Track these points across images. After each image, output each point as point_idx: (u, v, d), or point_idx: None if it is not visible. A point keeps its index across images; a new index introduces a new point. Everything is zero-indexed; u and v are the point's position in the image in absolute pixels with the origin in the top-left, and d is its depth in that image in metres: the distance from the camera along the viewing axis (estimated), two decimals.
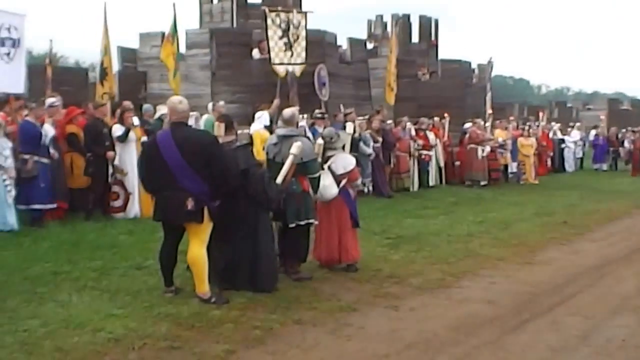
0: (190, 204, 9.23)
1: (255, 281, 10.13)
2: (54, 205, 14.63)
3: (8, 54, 14.58)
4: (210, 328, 8.49)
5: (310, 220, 11.10)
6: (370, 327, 8.91)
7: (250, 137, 15.78)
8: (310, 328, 8.73)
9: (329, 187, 11.54)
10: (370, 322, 9.11)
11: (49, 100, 15.98)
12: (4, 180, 13.77)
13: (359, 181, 12.83)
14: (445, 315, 9.53)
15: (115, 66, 24.16)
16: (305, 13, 21.85)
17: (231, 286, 9.99)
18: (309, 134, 18.34)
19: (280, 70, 20.96)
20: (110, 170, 15.63)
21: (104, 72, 18.75)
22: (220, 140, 9.98)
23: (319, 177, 11.24)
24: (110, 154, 15.51)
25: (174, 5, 20.24)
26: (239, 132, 11.03)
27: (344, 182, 11.74)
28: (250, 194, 10.11)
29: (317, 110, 21.14)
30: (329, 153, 11.91)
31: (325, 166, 11.74)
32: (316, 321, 8.99)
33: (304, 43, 21.30)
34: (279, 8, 22.10)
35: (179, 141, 9.34)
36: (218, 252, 9.98)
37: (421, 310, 9.71)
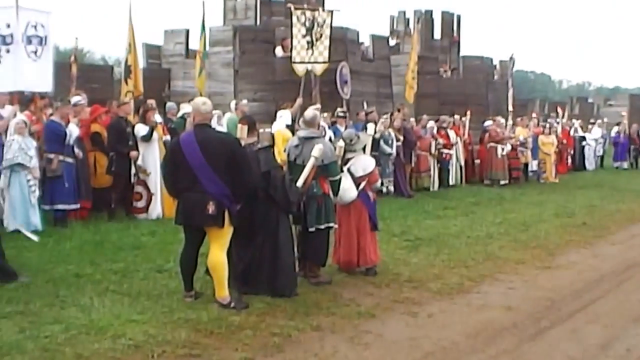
0: (211, 207, 9.20)
1: (275, 286, 10.08)
2: (78, 206, 14.66)
3: (35, 52, 14.63)
4: (229, 334, 8.45)
5: (331, 224, 11.05)
6: (388, 334, 8.85)
7: (272, 136, 15.82)
8: (328, 335, 8.68)
9: (348, 190, 11.42)
10: (389, 329, 9.06)
11: (74, 99, 15.98)
12: (28, 180, 13.81)
13: (379, 183, 12.75)
14: (464, 322, 9.44)
15: (140, 63, 24.21)
16: (332, 12, 21.71)
17: (250, 290, 9.96)
18: (330, 133, 18.31)
19: (300, 69, 20.83)
20: (133, 169, 15.60)
21: (129, 70, 18.73)
22: (243, 143, 9.93)
23: (340, 179, 11.18)
24: (133, 153, 15.50)
25: (203, 3, 20.23)
26: (261, 131, 11.02)
27: (363, 184, 11.65)
28: (271, 196, 10.07)
29: (338, 109, 21.09)
30: (349, 155, 11.83)
31: (345, 168, 11.66)
32: (335, 328, 8.94)
33: (327, 42, 21.14)
34: (305, 6, 21.99)
35: (201, 143, 9.32)
36: (237, 256, 9.95)
37: (439, 317, 9.64)
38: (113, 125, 15.62)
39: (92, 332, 8.23)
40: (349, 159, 11.77)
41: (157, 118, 16.62)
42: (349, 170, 11.67)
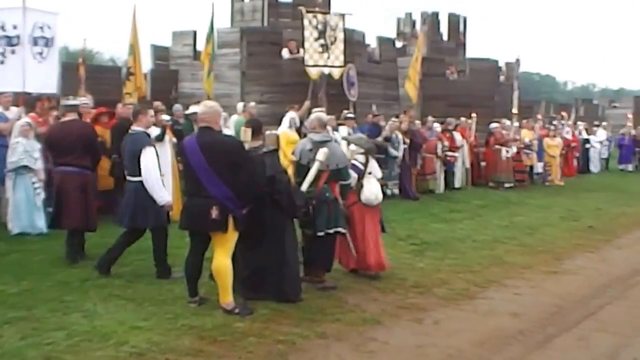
0: (214, 212, 9.07)
1: (281, 291, 9.94)
2: None
3: (41, 54, 14.55)
4: (233, 342, 8.31)
5: (339, 229, 10.87)
6: (394, 342, 8.70)
7: (277, 138, 15.67)
8: (333, 343, 8.53)
9: (377, 192, 11.69)
10: (395, 336, 8.90)
11: (80, 101, 15.81)
12: (34, 182, 13.71)
13: None
14: (470, 330, 9.30)
15: (147, 65, 24.08)
16: (343, 15, 21.58)
17: (256, 296, 9.80)
18: (336, 136, 18.16)
19: (313, 72, 20.75)
20: None
21: (129, 72, 18.60)
22: (247, 146, 9.78)
23: (350, 184, 11.07)
24: None
25: (212, 4, 20.10)
26: (267, 133, 10.88)
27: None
28: (277, 201, 9.92)
29: (345, 112, 20.96)
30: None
31: (366, 172, 11.71)
32: (340, 335, 8.79)
33: (342, 45, 21.09)
34: (317, 9, 21.89)
35: (203, 146, 9.22)
36: (243, 261, 9.81)
37: (446, 324, 9.49)
38: (116, 128, 15.35)
39: (95, 339, 8.11)
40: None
41: (165, 117, 16.41)
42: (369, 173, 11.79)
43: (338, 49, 20.95)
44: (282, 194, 9.96)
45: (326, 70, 20.80)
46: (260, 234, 9.93)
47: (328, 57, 20.77)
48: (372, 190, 11.61)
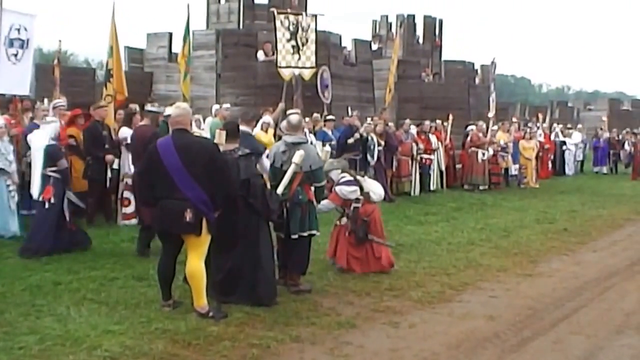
0: (188, 215, 9.00)
1: (255, 295, 9.87)
2: None
3: (15, 55, 14.45)
4: (207, 346, 8.24)
5: (314, 232, 10.83)
6: (369, 345, 8.64)
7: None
8: (308, 346, 8.47)
9: (378, 186, 12.90)
10: (369, 340, 8.84)
11: (54, 102, 15.71)
12: (8, 185, 13.58)
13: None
14: (445, 333, 9.26)
15: (123, 67, 23.91)
16: (315, 16, 21.49)
17: (230, 300, 9.74)
18: (312, 138, 18.14)
19: (286, 73, 20.65)
20: (109, 174, 15.25)
21: (109, 74, 18.45)
22: (222, 149, 9.71)
23: (324, 186, 11.05)
24: (109, 157, 15.10)
25: (188, 6, 19.96)
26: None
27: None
28: (251, 205, 9.86)
29: (315, 115, 20.96)
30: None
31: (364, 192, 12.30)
32: (315, 339, 8.73)
33: (313, 46, 20.97)
34: (288, 10, 21.82)
35: (179, 148, 9.15)
36: (216, 265, 9.74)
37: (421, 327, 9.44)
38: (89, 130, 15.25)
39: (68, 344, 8.01)
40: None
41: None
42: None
43: (309, 49, 20.84)
44: (257, 198, 9.91)
45: (296, 71, 20.69)
46: (234, 237, 9.87)
47: (299, 58, 20.66)
48: (377, 188, 12.75)
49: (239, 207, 9.78)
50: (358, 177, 12.50)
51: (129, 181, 15.27)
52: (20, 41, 14.45)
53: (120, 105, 17.60)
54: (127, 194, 15.40)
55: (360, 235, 12.09)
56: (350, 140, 19.78)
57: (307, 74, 21.03)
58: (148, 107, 15.16)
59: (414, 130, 23.87)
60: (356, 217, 12.16)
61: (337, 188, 12.21)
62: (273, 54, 22.59)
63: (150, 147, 9.76)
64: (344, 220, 12.34)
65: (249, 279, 9.91)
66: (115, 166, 15.32)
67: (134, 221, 15.21)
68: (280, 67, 20.62)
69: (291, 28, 20.54)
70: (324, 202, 11.88)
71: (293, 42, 20.66)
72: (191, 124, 10.37)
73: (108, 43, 18.16)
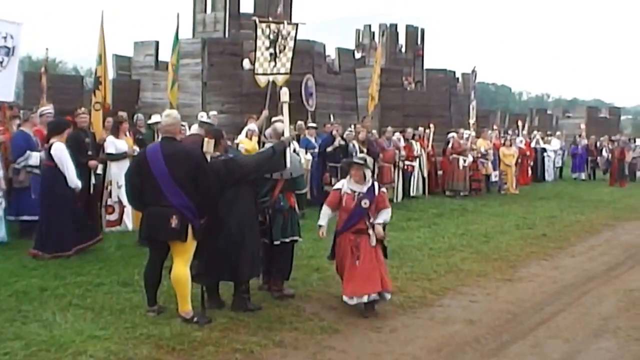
0: (174, 221, 8.98)
1: (237, 272, 9.79)
2: None
3: (1, 63, 14.32)
4: (191, 351, 8.21)
5: (296, 238, 10.78)
6: (351, 350, 8.64)
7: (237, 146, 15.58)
8: (291, 351, 8.45)
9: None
10: (352, 345, 8.84)
11: (42, 109, 15.61)
12: None
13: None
14: (426, 337, 9.27)
15: (110, 74, 23.82)
16: (297, 25, 21.41)
17: (213, 279, 9.78)
18: (294, 145, 18.08)
19: (262, 80, 20.52)
20: (93, 180, 15.10)
21: (98, 81, 18.34)
22: (208, 157, 9.66)
23: (305, 193, 10.99)
24: (92, 162, 14.91)
25: (177, 15, 19.92)
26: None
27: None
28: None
29: (299, 122, 20.90)
30: None
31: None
32: (298, 343, 8.71)
33: (290, 54, 20.82)
34: (270, 19, 21.75)
35: (167, 156, 9.14)
36: (200, 247, 9.57)
37: (403, 332, 9.45)
38: (72, 137, 15.11)
39: (53, 349, 7.95)
40: None
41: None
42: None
43: (286, 56, 20.68)
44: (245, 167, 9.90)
45: (270, 78, 20.59)
46: (218, 221, 9.75)
47: (275, 65, 20.55)
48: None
49: (221, 213, 9.71)
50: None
51: (113, 189, 15.23)
52: (6, 49, 14.34)
53: (106, 112, 17.50)
54: (110, 201, 15.33)
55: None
56: (329, 149, 19.77)
57: (280, 80, 20.85)
58: (203, 118, 15.06)
59: (399, 137, 23.87)
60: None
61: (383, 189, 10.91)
62: None
63: (140, 154, 9.73)
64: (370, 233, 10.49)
65: (233, 257, 9.74)
66: (99, 171, 15.18)
67: (119, 228, 15.16)
68: (257, 74, 20.49)
69: (271, 36, 20.41)
70: (388, 212, 10.74)
71: (271, 50, 20.54)
72: (181, 132, 10.29)
73: (97, 51, 18.08)
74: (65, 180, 12.71)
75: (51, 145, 12.77)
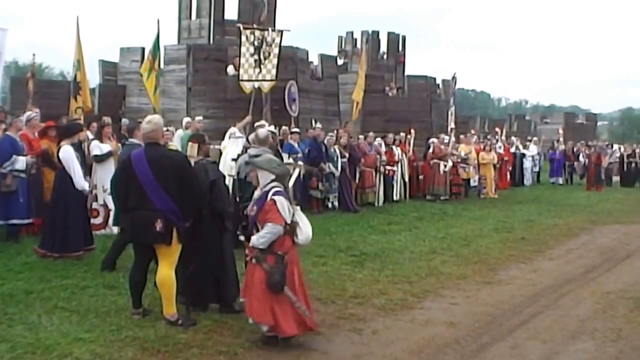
0: (159, 225, 8.95)
1: (220, 296, 9.85)
2: (31, 221, 14.17)
3: None
4: (175, 353, 8.16)
5: None
6: (333, 352, 8.62)
7: (220, 153, 15.55)
8: (274, 354, 8.41)
9: (308, 225, 8.96)
10: (334, 346, 8.82)
11: (27, 114, 15.52)
12: None
13: None
14: (407, 339, 9.25)
15: (96, 79, 23.78)
16: (282, 32, 21.40)
17: (197, 305, 9.64)
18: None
19: (247, 86, 20.50)
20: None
21: (78, 87, 18.27)
22: (192, 162, 9.65)
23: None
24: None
25: (158, 21, 19.84)
26: (211, 147, 10.76)
27: None
28: (213, 206, 9.75)
29: (293, 127, 20.91)
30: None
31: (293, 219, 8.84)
32: (281, 345, 8.65)
33: (275, 60, 20.84)
34: (254, 26, 21.75)
35: (151, 160, 9.10)
36: (181, 268, 9.57)
37: (384, 334, 9.42)
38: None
39: (39, 352, 7.90)
40: None
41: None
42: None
43: (271, 63, 20.69)
44: (218, 201, 9.80)
45: (256, 84, 20.56)
46: (198, 243, 9.74)
47: (260, 72, 20.53)
48: (307, 226, 8.92)
49: (203, 217, 9.69)
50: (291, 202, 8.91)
51: (98, 193, 15.16)
52: None
53: (85, 117, 17.46)
54: (95, 205, 15.25)
55: (277, 279, 8.42)
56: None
57: (266, 86, 20.89)
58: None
59: (379, 142, 23.90)
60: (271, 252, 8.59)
61: (276, 198, 8.55)
62: None
63: (124, 159, 9.70)
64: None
65: (215, 281, 9.82)
66: (96, 181, 15.13)
67: (103, 231, 15.07)
68: (241, 80, 20.46)
69: (256, 43, 20.40)
70: (268, 228, 8.46)
71: (256, 57, 20.52)
72: (163, 136, 10.26)
73: (74, 57, 18.02)
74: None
75: (59, 148, 12.73)
